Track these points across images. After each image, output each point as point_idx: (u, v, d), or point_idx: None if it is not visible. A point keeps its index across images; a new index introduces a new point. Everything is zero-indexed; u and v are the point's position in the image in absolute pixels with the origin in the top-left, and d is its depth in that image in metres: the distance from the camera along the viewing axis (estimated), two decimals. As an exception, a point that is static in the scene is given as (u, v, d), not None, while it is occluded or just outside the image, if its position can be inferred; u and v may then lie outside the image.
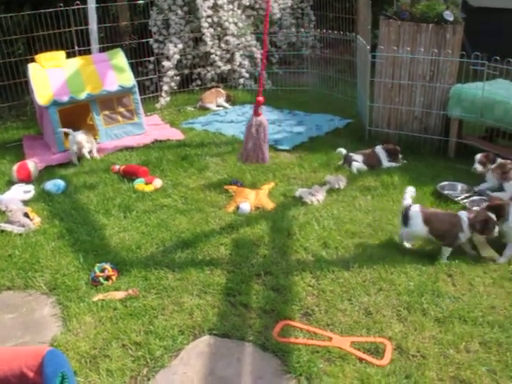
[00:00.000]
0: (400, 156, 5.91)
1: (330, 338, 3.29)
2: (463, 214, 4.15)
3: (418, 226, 4.17)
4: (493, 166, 5.18)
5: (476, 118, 5.77)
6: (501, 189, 5.09)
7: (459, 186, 5.27)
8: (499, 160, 5.21)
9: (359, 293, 3.72)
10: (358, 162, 5.72)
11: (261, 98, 5.23)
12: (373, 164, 5.80)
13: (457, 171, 5.61)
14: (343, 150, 5.87)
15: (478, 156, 5.31)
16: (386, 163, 5.84)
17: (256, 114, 5.28)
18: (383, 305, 3.60)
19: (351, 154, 5.83)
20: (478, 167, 5.28)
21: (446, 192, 5.16)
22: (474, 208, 4.61)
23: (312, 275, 3.90)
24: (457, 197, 5.09)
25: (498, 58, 5.39)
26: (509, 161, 5.15)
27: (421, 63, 6.03)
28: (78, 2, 7.05)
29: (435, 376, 3.04)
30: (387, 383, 2.96)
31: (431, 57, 5.93)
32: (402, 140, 6.28)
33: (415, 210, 4.21)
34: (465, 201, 4.98)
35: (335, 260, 4.10)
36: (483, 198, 4.99)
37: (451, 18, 5.91)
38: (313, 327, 3.39)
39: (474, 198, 5.01)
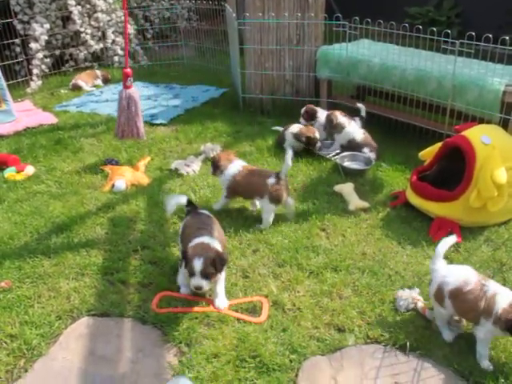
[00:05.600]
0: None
1: (209, 303, 3.35)
2: None
3: None
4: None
5: (343, 78, 6.00)
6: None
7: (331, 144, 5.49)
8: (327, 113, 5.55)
9: (236, 256, 3.80)
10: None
11: (128, 70, 5.12)
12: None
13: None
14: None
15: (302, 110, 5.71)
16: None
17: (125, 86, 5.18)
18: (259, 265, 3.71)
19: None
20: (302, 121, 5.66)
21: (317, 151, 5.36)
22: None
23: (189, 245, 3.93)
24: (328, 154, 5.30)
25: (357, 18, 5.60)
26: (337, 112, 5.45)
27: (287, 28, 6.16)
28: None
29: (310, 325, 3.19)
30: (265, 338, 3.07)
31: (296, 21, 6.06)
32: (275, 104, 6.42)
33: None
34: (336, 157, 5.20)
35: (212, 227, 4.14)
36: (353, 153, 5.22)
37: (312, -18, 6.05)
38: (191, 295, 3.43)
39: (344, 153, 5.23)
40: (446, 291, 3.00)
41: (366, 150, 5.22)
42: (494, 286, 2.89)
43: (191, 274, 3.13)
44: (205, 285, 3.14)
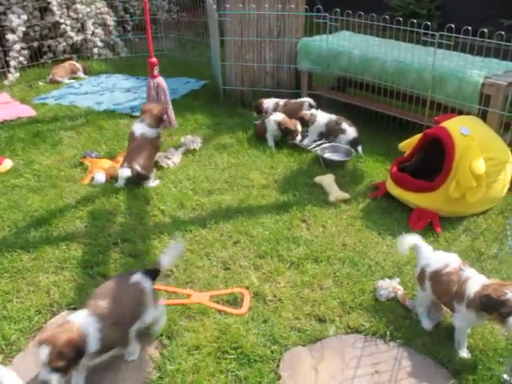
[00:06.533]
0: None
1: (189, 295, 3.35)
2: None
3: None
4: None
5: (323, 70, 6.00)
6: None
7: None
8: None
9: (217, 248, 3.80)
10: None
11: (154, 60, 5.18)
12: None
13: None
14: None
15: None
16: None
17: (153, 76, 5.24)
18: (240, 256, 3.72)
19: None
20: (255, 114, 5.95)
21: (298, 142, 5.36)
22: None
23: (170, 237, 3.92)
24: (309, 145, 5.31)
25: (338, 10, 5.59)
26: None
27: (267, 19, 6.14)
28: None
29: (291, 316, 3.20)
30: (246, 329, 3.07)
31: (276, 12, 6.04)
32: (256, 96, 6.39)
33: None
34: (316, 148, 5.21)
35: (192, 219, 4.15)
36: (333, 144, 5.24)
37: (292, -27, 6.03)
38: (172, 287, 3.42)
39: (324, 145, 5.25)
40: (427, 273, 3.05)
41: (344, 124, 5.27)
42: (469, 272, 2.93)
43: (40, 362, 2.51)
44: (54, 380, 2.47)
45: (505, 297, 2.64)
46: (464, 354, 2.89)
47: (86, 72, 8.01)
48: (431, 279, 3.03)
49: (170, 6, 9.86)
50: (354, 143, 5.20)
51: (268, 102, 5.87)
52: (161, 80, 5.25)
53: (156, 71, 5.22)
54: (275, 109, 5.77)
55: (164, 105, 5.28)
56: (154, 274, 3.01)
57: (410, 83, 5.23)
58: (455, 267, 2.97)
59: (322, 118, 5.39)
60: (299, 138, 5.33)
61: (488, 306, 2.70)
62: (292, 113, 5.57)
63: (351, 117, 5.53)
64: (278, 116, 5.37)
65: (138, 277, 2.92)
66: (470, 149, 3.98)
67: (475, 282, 2.84)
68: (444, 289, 2.96)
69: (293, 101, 5.86)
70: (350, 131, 5.24)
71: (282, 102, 5.86)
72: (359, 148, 5.19)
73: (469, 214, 4.18)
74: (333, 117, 5.37)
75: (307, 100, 5.76)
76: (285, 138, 5.37)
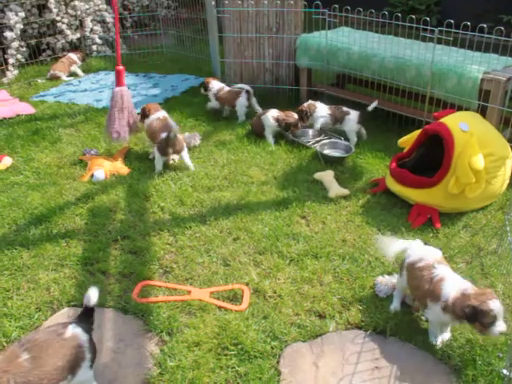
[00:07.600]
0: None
1: (189, 292, 3.35)
2: None
3: None
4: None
5: (323, 66, 5.99)
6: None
7: (310, 131, 5.50)
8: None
9: (217, 244, 3.80)
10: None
11: (121, 68, 5.11)
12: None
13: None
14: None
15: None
16: None
17: (121, 84, 5.15)
18: (240, 253, 3.72)
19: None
20: (202, 91, 6.20)
21: (297, 139, 5.36)
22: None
23: (170, 233, 3.93)
24: (308, 142, 5.31)
25: (336, 6, 5.58)
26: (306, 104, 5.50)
27: (266, 16, 6.13)
28: None
29: (291, 312, 3.21)
30: (246, 326, 3.08)
31: (275, 8, 6.04)
32: (255, 93, 6.38)
33: None
34: (316, 145, 5.21)
35: (192, 216, 4.15)
36: (333, 140, 5.24)
37: (291, -31, 6.02)
38: (172, 283, 3.43)
39: (324, 141, 5.25)
40: (405, 262, 3.11)
41: (345, 108, 5.34)
42: (442, 271, 2.92)
43: None
44: None
45: (487, 307, 2.64)
46: (434, 341, 2.96)
47: (83, 60, 7.98)
48: (407, 270, 3.09)
49: (168, 3, 9.86)
50: (363, 119, 5.30)
51: (215, 84, 6.07)
52: (126, 88, 5.21)
53: (124, 79, 5.17)
54: (218, 92, 6.00)
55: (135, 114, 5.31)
56: (89, 317, 2.68)
57: (409, 79, 5.22)
58: (428, 263, 2.98)
59: (322, 105, 5.43)
60: (299, 126, 5.38)
61: (472, 317, 2.69)
62: (230, 100, 5.91)
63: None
64: (274, 112, 5.38)
65: (73, 330, 2.54)
66: (469, 144, 3.97)
67: (450, 284, 2.83)
68: (415, 284, 3.00)
69: (233, 89, 5.97)
70: (353, 112, 5.29)
71: (226, 88, 6.02)
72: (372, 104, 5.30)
73: (468, 209, 4.18)
74: (332, 106, 5.43)
75: (244, 87, 5.88)
76: (285, 131, 5.38)
